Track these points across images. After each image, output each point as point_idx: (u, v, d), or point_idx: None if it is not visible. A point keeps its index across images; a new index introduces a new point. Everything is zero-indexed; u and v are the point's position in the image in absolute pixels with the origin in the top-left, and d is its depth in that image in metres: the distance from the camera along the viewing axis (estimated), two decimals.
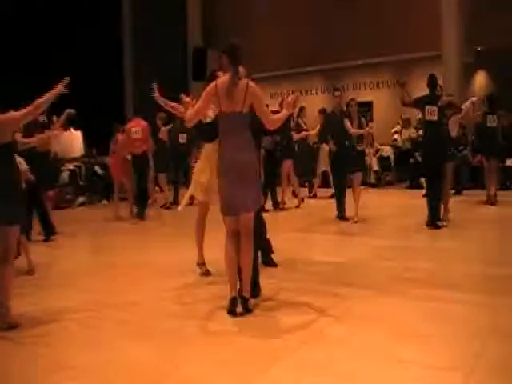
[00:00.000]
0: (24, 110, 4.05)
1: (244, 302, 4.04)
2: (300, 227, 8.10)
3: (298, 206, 10.05)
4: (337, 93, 8.81)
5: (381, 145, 13.96)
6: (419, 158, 13.04)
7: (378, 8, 14.39)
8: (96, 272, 5.75)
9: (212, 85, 3.98)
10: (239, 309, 4.02)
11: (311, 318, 3.96)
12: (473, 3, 13.19)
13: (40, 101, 4.08)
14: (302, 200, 10.28)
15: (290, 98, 4.13)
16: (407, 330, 3.62)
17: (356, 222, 7.84)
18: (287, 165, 9.98)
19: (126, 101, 18.89)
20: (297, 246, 6.83)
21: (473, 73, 14.30)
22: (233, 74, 3.92)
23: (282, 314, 4.05)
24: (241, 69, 4.07)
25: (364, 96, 15.34)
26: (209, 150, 4.96)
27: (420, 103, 7.47)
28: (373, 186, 13.34)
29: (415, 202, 7.75)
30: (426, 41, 13.55)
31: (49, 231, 7.61)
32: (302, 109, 11.79)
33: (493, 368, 3.01)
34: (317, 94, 16.79)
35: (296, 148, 11.81)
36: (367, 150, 13.64)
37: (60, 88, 4.11)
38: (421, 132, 13.60)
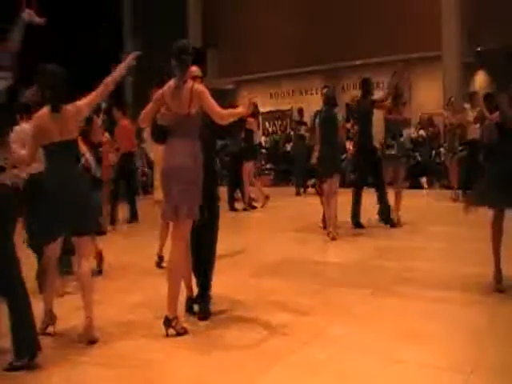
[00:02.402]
0: (90, 96, 3.82)
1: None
2: (299, 227, 8.09)
3: (246, 208, 10.28)
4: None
5: None
6: (419, 158, 13.06)
7: (378, 8, 14.38)
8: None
9: (159, 92, 3.95)
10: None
11: (311, 318, 3.96)
12: (473, 3, 13.18)
13: (110, 79, 3.91)
14: (253, 200, 10.51)
15: (247, 99, 3.95)
16: (407, 330, 3.61)
17: (333, 238, 6.81)
18: (248, 166, 10.35)
19: (126, 101, 18.87)
20: (296, 246, 6.82)
21: (473, 73, 14.29)
22: (178, 77, 3.87)
23: (282, 314, 4.05)
24: (194, 68, 4.04)
25: None
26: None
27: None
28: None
29: (415, 202, 7.75)
30: (426, 41, 13.54)
31: None
32: (300, 109, 12.21)
33: (493, 368, 3.01)
34: (317, 94, 16.73)
35: (290, 148, 12.07)
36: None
37: (131, 59, 4.07)
38: (421, 132, 13.70)
